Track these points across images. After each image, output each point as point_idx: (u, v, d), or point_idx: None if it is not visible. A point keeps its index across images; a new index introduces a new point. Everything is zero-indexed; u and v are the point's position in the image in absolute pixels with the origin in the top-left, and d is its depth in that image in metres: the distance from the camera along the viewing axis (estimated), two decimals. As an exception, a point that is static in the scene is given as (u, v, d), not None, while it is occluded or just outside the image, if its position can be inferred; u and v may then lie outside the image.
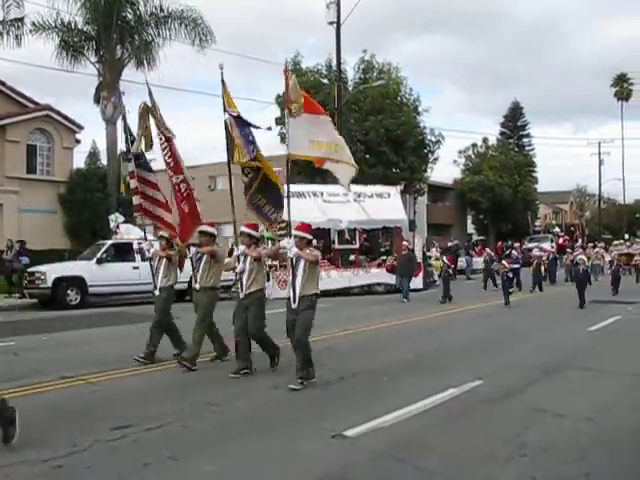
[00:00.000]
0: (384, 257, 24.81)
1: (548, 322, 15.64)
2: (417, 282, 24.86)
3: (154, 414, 6.95)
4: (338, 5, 29.99)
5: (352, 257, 24.26)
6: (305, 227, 8.64)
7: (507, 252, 24.50)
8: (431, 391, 7.91)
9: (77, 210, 28.02)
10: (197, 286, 9.82)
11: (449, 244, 33.02)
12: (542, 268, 26.07)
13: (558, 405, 7.43)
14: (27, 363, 10.08)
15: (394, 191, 26.91)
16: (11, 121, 27.59)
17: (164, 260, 10.34)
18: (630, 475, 5.47)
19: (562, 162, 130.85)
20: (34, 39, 26.02)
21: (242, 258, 9.07)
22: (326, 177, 35.72)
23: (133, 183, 10.85)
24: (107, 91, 26.81)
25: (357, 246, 24.38)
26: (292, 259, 8.34)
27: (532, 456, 5.70)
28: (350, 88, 38.33)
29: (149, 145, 10.51)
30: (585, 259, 20.69)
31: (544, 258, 28.42)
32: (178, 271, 10.53)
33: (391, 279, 23.87)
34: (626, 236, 56.35)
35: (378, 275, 23.06)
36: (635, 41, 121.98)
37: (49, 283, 18.87)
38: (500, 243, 36.66)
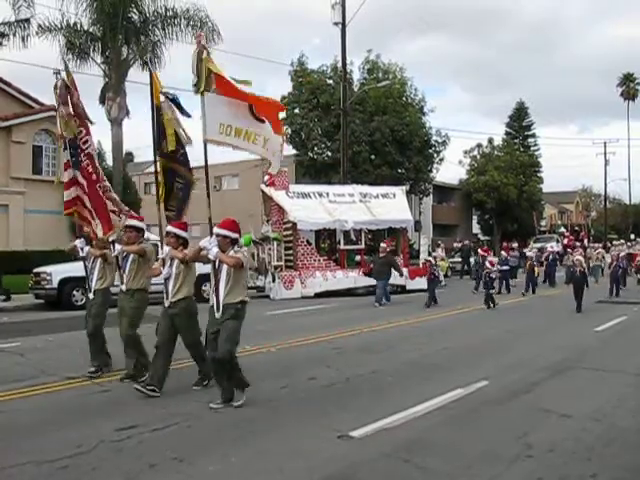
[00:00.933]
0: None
1: (555, 322, 15.60)
2: (422, 282, 24.83)
3: (159, 415, 6.96)
4: (343, 5, 30.01)
5: (358, 257, 24.24)
6: (228, 224, 7.47)
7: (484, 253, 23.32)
8: (437, 392, 7.91)
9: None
10: (123, 287, 8.82)
11: (455, 244, 32.97)
12: (536, 270, 24.87)
13: (564, 405, 7.42)
14: (33, 364, 10.11)
15: (399, 191, 26.88)
16: (17, 122, 27.68)
17: (99, 260, 9.22)
18: (636, 475, 5.45)
19: (568, 162, 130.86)
20: (40, 41, 26.09)
21: (168, 262, 8.06)
22: (331, 177, 35.95)
23: (67, 174, 10.01)
24: (112, 92, 26.86)
25: (363, 246, 24.37)
26: (215, 262, 7.37)
27: (538, 456, 5.69)
28: (356, 89, 38.35)
29: (74, 131, 9.46)
30: (582, 260, 18.98)
31: (542, 259, 28.28)
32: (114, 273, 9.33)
33: (396, 279, 23.87)
34: (632, 236, 56.16)
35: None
36: (638, 40, 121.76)
37: (55, 284, 18.89)
38: (505, 243, 36.50)
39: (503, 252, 26.67)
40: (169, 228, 8.19)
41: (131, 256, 8.84)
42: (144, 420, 6.69)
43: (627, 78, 74.19)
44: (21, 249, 25.85)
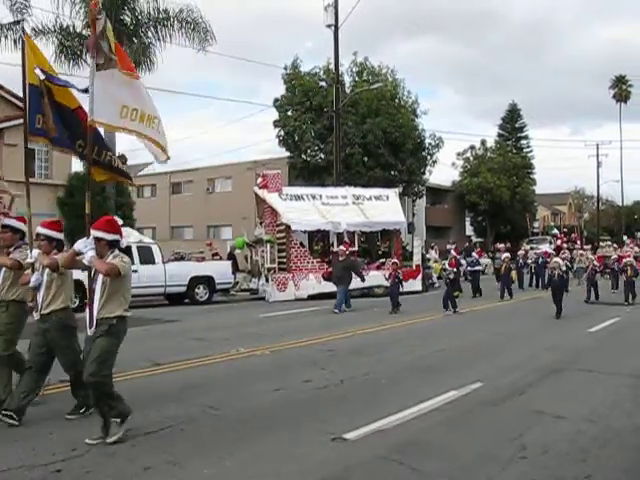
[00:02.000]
0: (382, 260, 24.78)
1: (548, 324, 15.63)
2: (416, 284, 24.87)
3: (153, 418, 6.93)
4: (336, 8, 30.02)
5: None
6: (102, 223, 6.35)
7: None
8: (431, 393, 7.91)
9: (76, 213, 27.86)
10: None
11: (447, 246, 32.79)
12: (513, 273, 23.95)
13: (558, 407, 7.43)
14: (26, 367, 10.03)
15: (393, 193, 26.92)
16: (9, 125, 27.56)
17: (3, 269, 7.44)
18: (631, 476, 5.46)
19: (560, 164, 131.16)
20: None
21: (39, 267, 6.94)
22: (324, 179, 35.95)
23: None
24: (105, 94, 26.75)
25: (356, 249, 24.37)
26: (91, 268, 6.35)
27: (532, 458, 5.70)
28: (348, 91, 38.38)
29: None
30: (560, 262, 17.95)
31: (529, 261, 27.50)
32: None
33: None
34: (625, 237, 56.37)
35: (377, 277, 23.00)
36: (631, 43, 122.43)
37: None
38: (499, 245, 36.38)
39: (474, 253, 25.72)
40: (39, 229, 7.03)
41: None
42: (137, 423, 6.65)
43: (619, 80, 74.56)
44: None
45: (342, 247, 20.24)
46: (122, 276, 6.18)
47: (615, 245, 36.40)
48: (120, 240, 6.41)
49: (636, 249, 32.51)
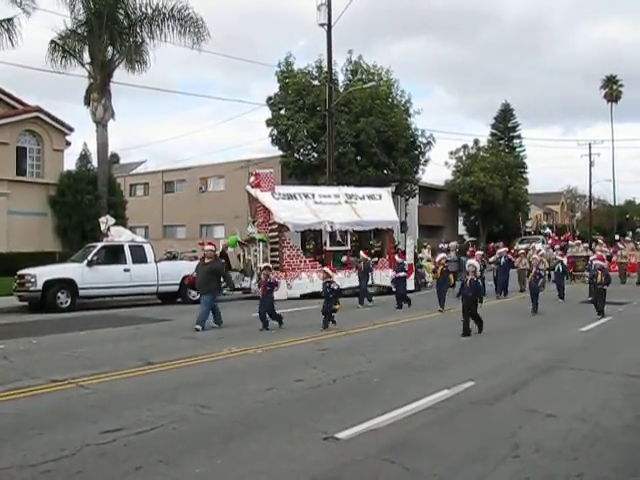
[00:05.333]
0: (375, 259, 24.76)
1: (540, 323, 15.65)
2: (409, 283, 24.84)
3: (145, 417, 6.91)
4: (329, 7, 30.01)
5: (344, 258, 24.23)
6: None
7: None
8: (423, 393, 7.91)
9: (67, 212, 27.95)
10: None
11: (440, 245, 32.52)
12: (451, 277, 20.32)
13: (550, 405, 7.44)
14: (17, 367, 10.00)
15: (385, 193, 26.95)
16: (0, 123, 27.47)
17: None
18: (622, 474, 5.47)
19: (553, 163, 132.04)
20: (24, 40, 25.88)
21: None
22: (317, 178, 35.96)
23: None
24: (97, 93, 26.71)
25: (348, 247, 24.37)
26: None
27: (524, 456, 5.70)
28: (341, 90, 38.40)
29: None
30: (477, 266, 14.54)
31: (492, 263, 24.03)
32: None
33: (382, 280, 23.89)
34: (616, 237, 56.54)
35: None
36: (622, 43, 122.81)
37: (39, 286, 18.72)
38: (492, 244, 36.50)
39: (397, 257, 21.66)
40: None
41: None
42: (129, 423, 6.63)
43: (610, 80, 74.83)
44: (4, 251, 25.64)
45: (209, 246, 16.08)
46: None
47: (585, 244, 34.96)
48: None
49: (606, 249, 30.71)
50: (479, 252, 25.78)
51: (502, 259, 23.11)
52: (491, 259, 24.63)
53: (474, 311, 13.45)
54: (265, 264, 16.82)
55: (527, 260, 21.43)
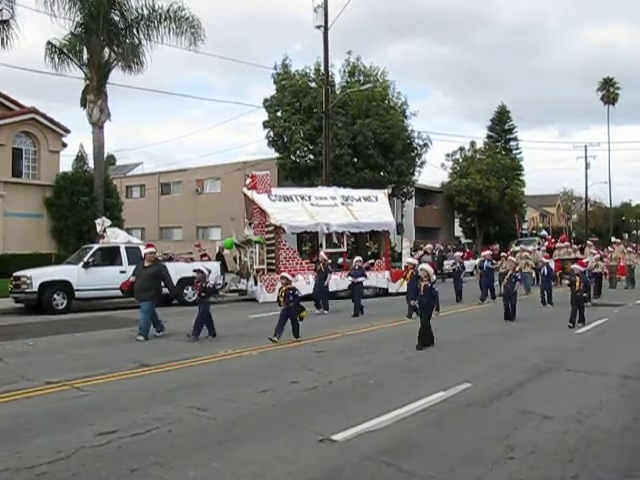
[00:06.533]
0: (372, 260, 24.76)
1: (535, 325, 15.65)
2: (405, 285, 24.81)
3: (140, 419, 6.89)
4: (326, 9, 30.04)
5: (340, 260, 24.23)
6: None
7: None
8: (420, 394, 7.91)
9: (63, 214, 27.87)
10: None
11: (420, 247, 32.15)
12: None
13: (546, 407, 7.45)
14: (13, 369, 9.98)
15: (382, 194, 26.96)
16: (-3, 124, 27.43)
17: None
18: (618, 476, 5.47)
19: (549, 165, 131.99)
20: (19, 42, 25.86)
21: None
22: (314, 180, 35.95)
23: None
24: (94, 94, 26.67)
25: (345, 249, 24.38)
26: None
27: (520, 458, 5.70)
28: (338, 92, 38.42)
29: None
30: (429, 270, 12.73)
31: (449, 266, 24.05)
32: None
33: (379, 282, 23.91)
34: (612, 239, 56.56)
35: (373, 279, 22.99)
36: (618, 46, 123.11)
37: (35, 288, 18.68)
38: (492, 247, 36.20)
39: (356, 260, 19.79)
40: None
41: None
42: (124, 425, 6.62)
43: (607, 82, 74.99)
44: (0, 252, 25.58)
45: (150, 249, 14.76)
46: None
47: (575, 246, 34.47)
48: None
49: (594, 251, 29.80)
50: (458, 253, 25.79)
51: (484, 263, 22.25)
52: (474, 262, 24.33)
53: (424, 319, 12.12)
54: (282, 274, 14.68)
55: (507, 264, 20.76)
